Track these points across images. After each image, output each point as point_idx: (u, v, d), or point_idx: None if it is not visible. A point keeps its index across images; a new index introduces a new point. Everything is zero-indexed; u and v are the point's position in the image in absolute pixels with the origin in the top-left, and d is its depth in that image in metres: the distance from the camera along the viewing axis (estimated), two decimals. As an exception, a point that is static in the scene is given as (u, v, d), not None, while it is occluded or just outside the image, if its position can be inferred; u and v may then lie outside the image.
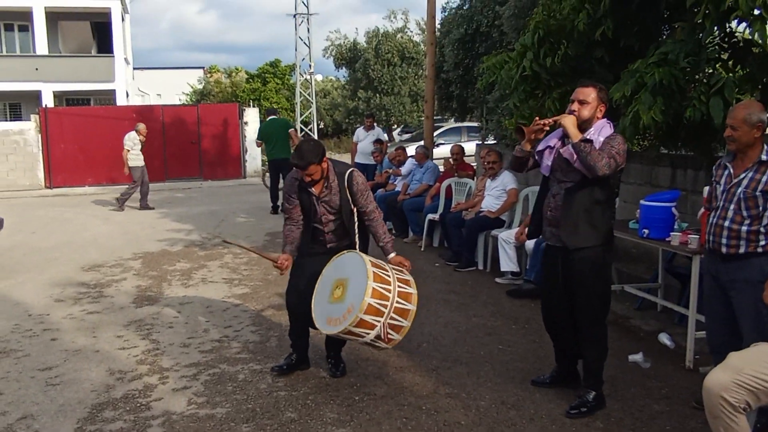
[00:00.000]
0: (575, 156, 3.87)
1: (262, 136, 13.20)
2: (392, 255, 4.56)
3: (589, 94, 3.96)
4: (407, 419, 4.05)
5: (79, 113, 20.21)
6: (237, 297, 6.87)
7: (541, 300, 4.52)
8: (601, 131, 3.94)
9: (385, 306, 4.12)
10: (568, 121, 3.92)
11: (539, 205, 4.26)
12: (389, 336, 4.19)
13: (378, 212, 4.68)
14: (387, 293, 4.15)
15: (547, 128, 4.04)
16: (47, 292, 7.17)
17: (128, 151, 13.67)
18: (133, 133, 13.80)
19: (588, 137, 3.91)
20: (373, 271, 4.17)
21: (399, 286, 4.25)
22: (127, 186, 14.18)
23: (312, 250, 4.69)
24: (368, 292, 4.06)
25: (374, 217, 4.63)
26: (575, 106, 3.96)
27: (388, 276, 4.26)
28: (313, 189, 4.53)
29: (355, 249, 4.56)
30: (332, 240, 4.67)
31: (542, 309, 4.43)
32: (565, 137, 4.02)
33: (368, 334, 4.15)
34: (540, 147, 4.15)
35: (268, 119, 13.45)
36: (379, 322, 4.11)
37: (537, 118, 4.04)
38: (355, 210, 4.60)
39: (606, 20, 5.97)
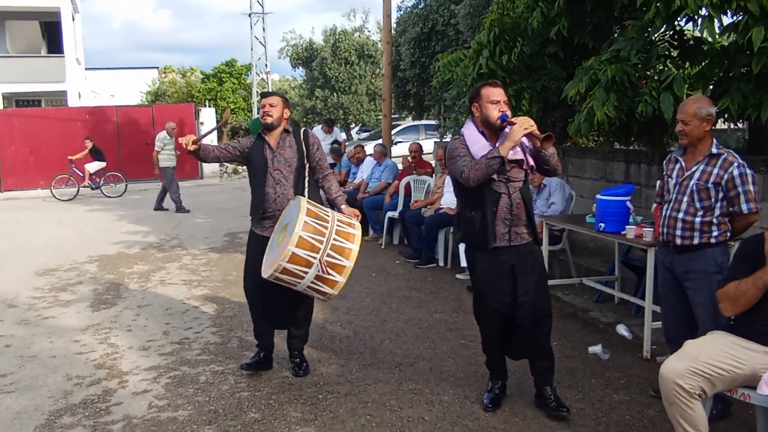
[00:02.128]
0: (529, 153, 3.86)
1: (252, 131, 13.45)
2: (344, 206, 4.57)
3: (503, 93, 3.89)
4: (371, 416, 4.06)
5: (30, 115, 19.74)
6: (196, 298, 6.80)
7: (488, 315, 4.04)
8: None
9: (321, 242, 4.01)
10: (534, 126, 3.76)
11: (488, 213, 3.86)
12: (329, 275, 4.04)
13: (331, 171, 4.76)
14: (323, 229, 4.06)
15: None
16: (0, 298, 6.99)
17: (158, 152, 13.35)
18: (163, 133, 13.49)
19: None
20: (308, 208, 4.11)
21: (338, 225, 4.16)
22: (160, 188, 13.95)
23: (263, 227, 4.60)
24: (299, 225, 3.97)
25: (329, 173, 4.71)
26: (504, 107, 3.83)
27: (327, 215, 4.19)
28: (269, 139, 4.55)
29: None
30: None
31: (492, 324, 4.05)
32: (487, 138, 3.88)
33: (306, 273, 4.01)
34: (479, 154, 3.82)
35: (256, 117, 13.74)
36: (315, 258, 3.99)
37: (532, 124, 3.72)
38: (307, 167, 4.60)
39: (560, 19, 6.06)
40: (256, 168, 4.57)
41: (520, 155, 3.83)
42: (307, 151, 4.59)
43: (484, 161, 3.74)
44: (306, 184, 4.59)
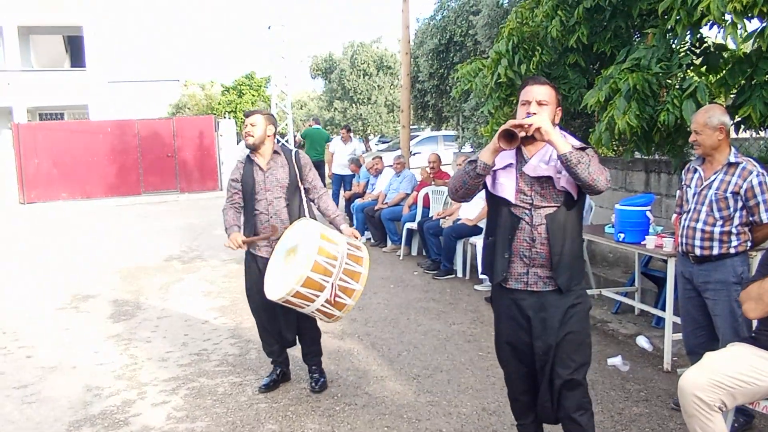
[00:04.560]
0: (563, 171, 2.95)
1: (305, 137, 14.64)
2: (344, 226, 4.53)
3: (547, 93, 3.06)
4: (389, 428, 4.04)
5: (53, 128, 20.00)
6: (215, 310, 6.82)
7: (506, 363, 3.31)
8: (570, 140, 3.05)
9: (334, 265, 4.00)
10: (548, 125, 2.90)
11: (500, 242, 3.14)
12: (337, 298, 4.02)
13: (326, 190, 4.71)
14: (335, 253, 4.05)
15: (524, 133, 2.94)
16: (22, 309, 7.06)
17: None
18: (242, 143, 13.38)
19: (579, 146, 3.01)
20: (321, 232, 4.11)
21: (349, 249, 4.15)
22: None
23: (257, 248, 4.57)
24: (314, 249, 3.95)
25: (323, 193, 4.67)
26: (534, 108, 3.02)
27: (338, 238, 4.19)
28: (258, 159, 4.52)
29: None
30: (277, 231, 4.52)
31: (512, 371, 3.31)
32: (521, 151, 3.11)
33: (318, 297, 3.98)
34: (498, 165, 3.09)
35: (313, 126, 14.91)
36: (327, 282, 3.97)
37: (512, 121, 2.95)
38: (302, 188, 4.58)
39: (580, 27, 6.04)
40: (248, 190, 4.53)
41: (548, 171, 3.02)
42: (300, 173, 4.57)
43: (464, 166, 3.10)
44: (301, 205, 4.57)
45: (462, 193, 3.13)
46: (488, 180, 3.13)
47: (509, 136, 2.90)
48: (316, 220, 4.55)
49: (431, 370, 4.99)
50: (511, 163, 3.10)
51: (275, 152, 4.58)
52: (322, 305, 4.04)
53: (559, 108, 3.14)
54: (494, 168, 3.07)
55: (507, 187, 3.08)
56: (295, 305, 4.12)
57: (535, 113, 2.99)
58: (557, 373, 3.08)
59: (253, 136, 4.47)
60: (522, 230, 3.06)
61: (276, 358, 4.75)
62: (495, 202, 3.17)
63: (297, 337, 4.71)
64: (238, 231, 4.55)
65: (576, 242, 3.10)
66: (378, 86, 27.62)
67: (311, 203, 4.72)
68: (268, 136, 4.53)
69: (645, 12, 5.79)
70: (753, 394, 3.01)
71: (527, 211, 3.05)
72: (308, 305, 4.06)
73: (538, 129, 2.88)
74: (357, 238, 4.46)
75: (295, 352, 4.88)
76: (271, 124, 4.55)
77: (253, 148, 4.52)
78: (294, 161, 4.58)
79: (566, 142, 2.90)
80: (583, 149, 2.97)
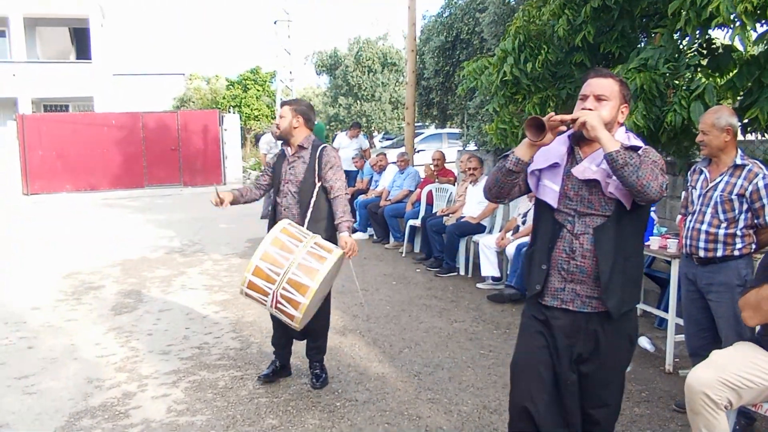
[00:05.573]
0: (611, 174, 2.62)
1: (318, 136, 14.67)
2: (344, 233, 4.39)
3: (609, 87, 2.72)
4: (389, 425, 4.03)
5: (57, 120, 20.05)
6: (217, 304, 6.82)
7: (518, 400, 2.87)
8: (629, 141, 2.74)
9: (279, 274, 3.94)
10: (596, 120, 2.61)
11: (538, 251, 2.86)
12: (279, 305, 3.97)
13: (345, 192, 4.54)
14: (283, 261, 3.96)
15: (564, 128, 2.69)
16: (24, 300, 7.06)
17: (265, 155, 12.33)
18: (268, 135, 12.57)
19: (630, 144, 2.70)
20: (276, 236, 4.05)
21: (303, 259, 4.00)
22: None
23: None
24: (258, 254, 3.97)
25: (339, 194, 4.47)
26: (591, 104, 2.71)
27: (296, 246, 4.05)
28: (287, 150, 4.54)
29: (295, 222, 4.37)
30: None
31: (519, 408, 2.86)
32: (574, 151, 2.81)
33: (265, 301, 4.03)
34: (537, 165, 2.81)
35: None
36: (270, 289, 3.96)
37: (552, 114, 2.67)
38: (318, 186, 4.46)
39: (586, 26, 6.02)
40: (274, 179, 4.60)
41: (596, 174, 2.70)
42: (319, 170, 4.46)
43: (500, 162, 2.84)
44: (311, 203, 4.45)
45: (495, 192, 2.86)
46: (532, 181, 2.86)
47: (536, 126, 2.63)
48: (323, 220, 4.48)
49: (432, 367, 4.98)
50: (557, 163, 2.79)
51: (301, 146, 4.51)
52: (273, 310, 4.08)
53: (625, 105, 2.79)
54: (538, 167, 2.80)
55: (551, 190, 2.79)
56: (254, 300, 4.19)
57: (591, 109, 2.68)
58: (571, 410, 2.82)
59: (279, 128, 4.50)
60: (562, 239, 2.76)
61: (280, 350, 4.74)
62: (540, 207, 2.88)
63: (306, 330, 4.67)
64: (231, 192, 4.61)
65: (631, 261, 2.74)
66: (383, 83, 27.59)
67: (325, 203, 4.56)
68: (295, 128, 4.49)
69: (651, 13, 5.76)
70: (758, 394, 3.01)
71: (570, 218, 2.75)
72: (263, 306, 4.14)
73: (583, 124, 2.62)
74: (352, 251, 4.31)
75: (296, 347, 4.87)
76: (299, 116, 4.49)
77: (281, 140, 4.55)
78: (316, 158, 4.48)
79: (614, 140, 2.59)
80: (635, 149, 2.67)
